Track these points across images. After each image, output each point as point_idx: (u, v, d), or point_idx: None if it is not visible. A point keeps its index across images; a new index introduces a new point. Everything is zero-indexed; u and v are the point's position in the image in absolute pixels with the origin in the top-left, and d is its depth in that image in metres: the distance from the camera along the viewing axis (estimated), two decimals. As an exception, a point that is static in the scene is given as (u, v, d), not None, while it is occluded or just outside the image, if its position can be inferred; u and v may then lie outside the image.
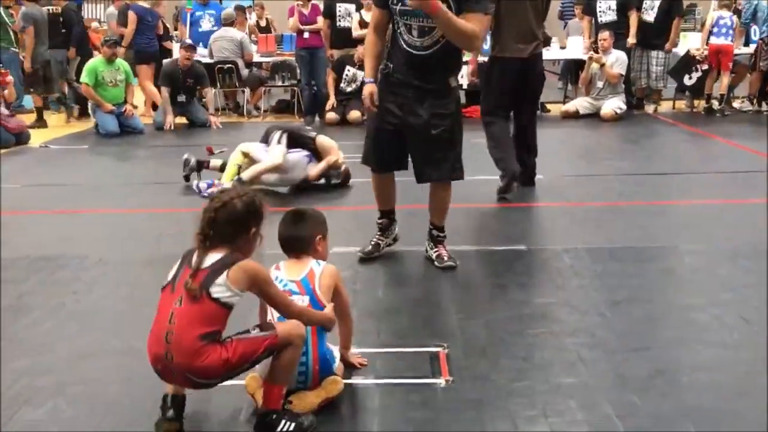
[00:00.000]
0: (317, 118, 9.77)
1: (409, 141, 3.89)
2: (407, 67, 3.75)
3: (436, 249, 4.05)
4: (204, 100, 9.66)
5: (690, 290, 3.64)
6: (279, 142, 5.73)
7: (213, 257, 2.34)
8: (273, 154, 5.63)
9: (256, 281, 2.36)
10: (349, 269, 3.95)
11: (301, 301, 2.57)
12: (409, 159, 3.98)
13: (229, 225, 2.36)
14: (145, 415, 2.51)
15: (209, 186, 5.66)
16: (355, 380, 2.76)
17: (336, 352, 2.69)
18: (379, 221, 4.20)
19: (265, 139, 5.87)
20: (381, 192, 4.16)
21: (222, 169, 5.90)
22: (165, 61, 9.87)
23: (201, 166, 5.99)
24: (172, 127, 9.17)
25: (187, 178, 5.96)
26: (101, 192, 6.07)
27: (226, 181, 5.60)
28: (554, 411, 2.52)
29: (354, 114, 9.23)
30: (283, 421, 2.38)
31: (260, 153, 5.70)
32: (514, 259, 4.13)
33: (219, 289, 2.29)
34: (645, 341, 3.06)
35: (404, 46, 3.73)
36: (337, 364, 2.67)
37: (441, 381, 2.74)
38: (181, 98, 9.38)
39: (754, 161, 6.65)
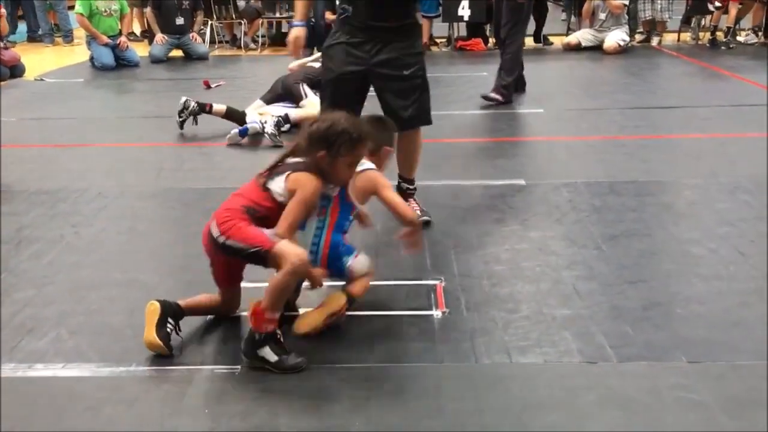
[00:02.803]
0: (315, 51, 9.62)
1: (378, 87, 3.59)
2: (370, 9, 3.43)
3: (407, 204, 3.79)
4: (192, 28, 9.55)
5: (688, 224, 3.65)
6: (313, 93, 5.55)
7: (293, 160, 2.59)
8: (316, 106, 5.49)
9: (294, 191, 2.50)
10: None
11: (332, 191, 2.68)
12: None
13: (307, 140, 2.56)
14: (147, 345, 2.56)
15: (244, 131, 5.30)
16: (353, 312, 2.80)
17: (360, 254, 2.74)
18: None
19: (288, 93, 5.65)
20: None
21: (227, 115, 5.53)
22: None
23: (203, 109, 5.51)
24: (165, 41, 9.21)
25: (182, 124, 5.51)
26: (99, 125, 6.04)
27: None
28: (548, 341, 2.57)
29: None
30: (267, 348, 2.40)
31: (281, 110, 5.52)
32: (513, 193, 4.14)
33: (276, 185, 2.55)
34: (641, 274, 3.09)
35: None
36: (352, 262, 2.70)
37: (437, 313, 2.78)
38: (180, 21, 9.28)
39: (757, 94, 6.58)
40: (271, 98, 5.75)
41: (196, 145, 5.34)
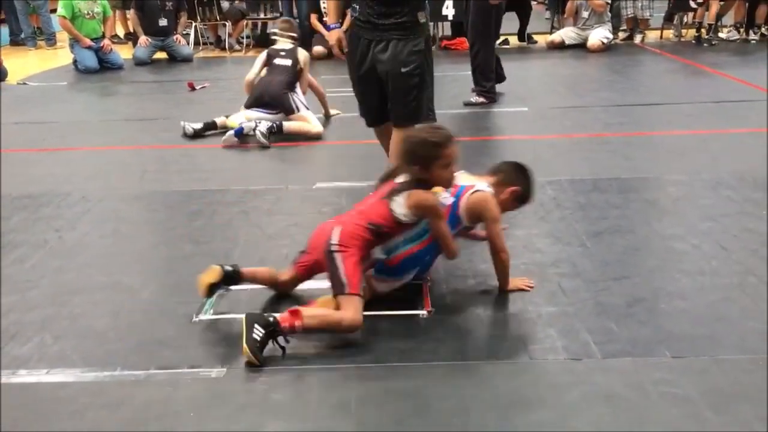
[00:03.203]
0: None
1: (384, 84, 3.70)
2: (369, 4, 3.53)
3: None
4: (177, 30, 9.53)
5: (671, 220, 3.67)
6: (305, 106, 5.53)
7: (401, 178, 2.77)
8: (315, 124, 5.47)
9: (422, 212, 2.74)
10: (330, 205, 3.95)
11: (447, 200, 2.85)
12: None
13: (403, 155, 2.76)
14: (132, 349, 2.55)
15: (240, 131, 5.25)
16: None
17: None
18: None
19: (277, 102, 5.49)
20: (382, 144, 4.01)
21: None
22: None
23: (209, 128, 5.51)
24: (148, 43, 9.18)
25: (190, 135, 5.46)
26: (83, 129, 6.00)
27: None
28: (534, 339, 2.57)
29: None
30: (271, 337, 2.47)
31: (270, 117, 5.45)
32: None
33: (398, 207, 2.71)
34: (625, 270, 3.10)
35: None
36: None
37: (423, 312, 2.78)
38: (163, 22, 9.25)
39: (739, 91, 6.63)
40: (252, 103, 5.59)
41: (179, 147, 5.31)
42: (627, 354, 2.46)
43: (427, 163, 2.71)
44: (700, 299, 2.83)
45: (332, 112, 5.98)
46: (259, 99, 5.56)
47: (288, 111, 5.49)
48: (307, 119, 5.49)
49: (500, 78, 6.69)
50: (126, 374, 2.42)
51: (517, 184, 2.98)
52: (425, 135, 2.74)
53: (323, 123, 5.77)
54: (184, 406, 2.25)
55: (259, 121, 5.27)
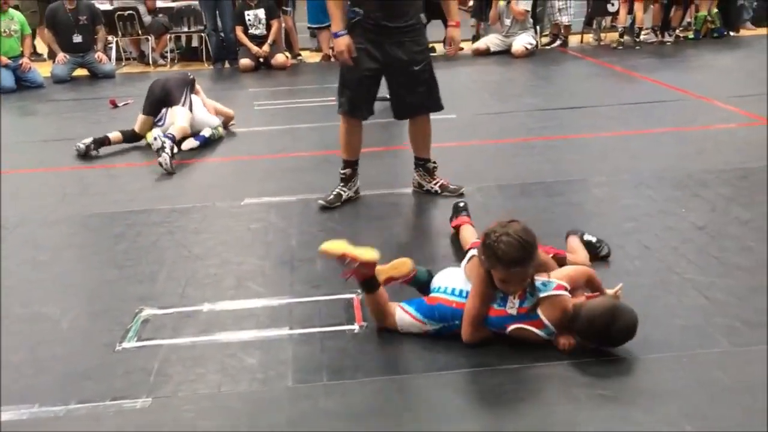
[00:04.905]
0: (227, 65, 9.53)
1: (391, 81, 3.99)
2: (381, 10, 3.75)
3: (436, 180, 4.20)
4: (96, 46, 9.26)
5: (596, 222, 3.74)
6: (189, 108, 5.50)
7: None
8: (182, 115, 5.43)
9: (469, 277, 2.65)
10: (260, 221, 3.90)
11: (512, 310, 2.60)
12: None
13: (481, 244, 2.53)
14: (51, 383, 2.44)
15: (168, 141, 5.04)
16: (270, 332, 2.75)
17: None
18: (343, 171, 4.13)
19: (170, 96, 5.49)
20: (351, 140, 4.09)
21: (125, 139, 5.52)
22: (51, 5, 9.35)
23: (102, 144, 5.42)
24: (66, 60, 8.94)
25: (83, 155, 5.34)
26: (-2, 152, 5.75)
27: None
28: (465, 349, 2.57)
29: (280, 58, 9.15)
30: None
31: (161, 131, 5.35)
32: (427, 199, 4.16)
33: (466, 258, 2.75)
34: (553, 274, 3.13)
35: None
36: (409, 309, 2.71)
37: (355, 327, 2.76)
38: (77, 39, 8.98)
39: (656, 92, 6.85)
40: (152, 109, 5.54)
41: (101, 168, 5.15)
42: (556, 358, 2.49)
43: (486, 265, 2.50)
44: (625, 299, 2.87)
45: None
46: (155, 100, 5.53)
47: (175, 100, 5.46)
48: (178, 115, 5.40)
49: None
50: (45, 410, 2.31)
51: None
52: (497, 246, 2.43)
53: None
54: (108, 440, 2.16)
55: (161, 146, 4.94)
